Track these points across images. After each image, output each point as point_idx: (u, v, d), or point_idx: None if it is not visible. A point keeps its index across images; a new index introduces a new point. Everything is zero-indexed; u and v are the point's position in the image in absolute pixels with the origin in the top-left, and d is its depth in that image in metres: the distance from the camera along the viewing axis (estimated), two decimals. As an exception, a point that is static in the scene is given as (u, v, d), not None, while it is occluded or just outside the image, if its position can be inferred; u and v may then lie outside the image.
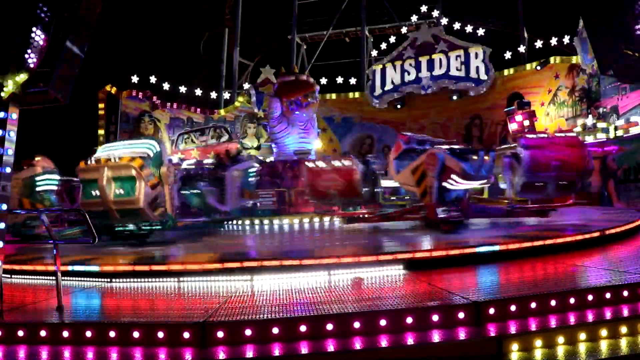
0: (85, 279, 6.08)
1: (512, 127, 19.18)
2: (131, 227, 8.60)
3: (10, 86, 4.45)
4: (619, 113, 17.16)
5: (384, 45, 26.70)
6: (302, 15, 29.04)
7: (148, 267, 5.99)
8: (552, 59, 20.99)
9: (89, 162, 8.10)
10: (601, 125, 17.09)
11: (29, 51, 4.47)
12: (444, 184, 8.10)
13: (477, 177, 8.07)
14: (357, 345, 3.73)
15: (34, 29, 4.49)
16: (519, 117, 19.45)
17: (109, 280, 5.95)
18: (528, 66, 22.23)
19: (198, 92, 25.97)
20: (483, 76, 22.69)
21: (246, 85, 26.70)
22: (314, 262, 5.76)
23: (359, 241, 7.78)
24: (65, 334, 4.05)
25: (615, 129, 16.67)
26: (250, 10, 29.24)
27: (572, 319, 4.05)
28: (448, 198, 8.31)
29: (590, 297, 4.31)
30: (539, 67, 21.34)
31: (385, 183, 11.16)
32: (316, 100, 19.32)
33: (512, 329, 3.87)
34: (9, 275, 6.33)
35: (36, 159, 10.81)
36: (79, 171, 8.24)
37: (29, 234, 9.70)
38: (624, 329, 3.94)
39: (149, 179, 8.07)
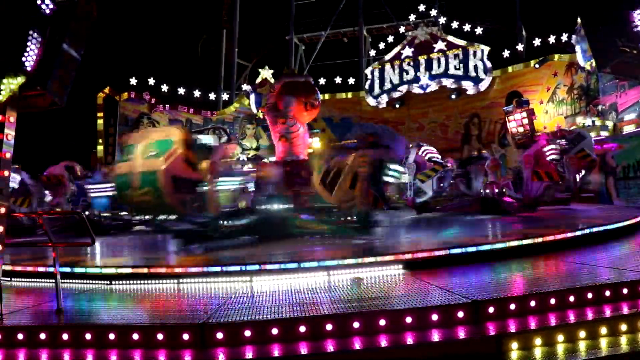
0: (85, 281, 6.08)
1: (511, 125, 19.11)
2: None
3: (7, 89, 4.45)
4: (618, 110, 17.16)
5: (382, 45, 26.70)
6: (300, 15, 29.06)
7: (147, 269, 5.98)
8: (550, 57, 20.98)
9: None
10: (600, 122, 17.09)
11: (25, 54, 4.46)
12: None
13: None
14: (357, 345, 3.73)
15: (30, 32, 4.48)
16: (517, 116, 19.44)
17: (108, 282, 5.94)
18: (526, 64, 22.24)
19: (197, 93, 25.98)
20: (481, 75, 22.69)
21: (245, 86, 26.69)
22: (313, 263, 5.75)
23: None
24: (65, 336, 4.04)
25: (614, 126, 16.68)
26: (247, 11, 29.27)
27: (571, 317, 4.05)
28: None
29: (589, 295, 4.32)
30: (537, 65, 21.32)
31: None
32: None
33: (512, 328, 3.87)
34: (8, 279, 6.32)
35: None
36: None
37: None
38: (623, 327, 3.94)
39: None
